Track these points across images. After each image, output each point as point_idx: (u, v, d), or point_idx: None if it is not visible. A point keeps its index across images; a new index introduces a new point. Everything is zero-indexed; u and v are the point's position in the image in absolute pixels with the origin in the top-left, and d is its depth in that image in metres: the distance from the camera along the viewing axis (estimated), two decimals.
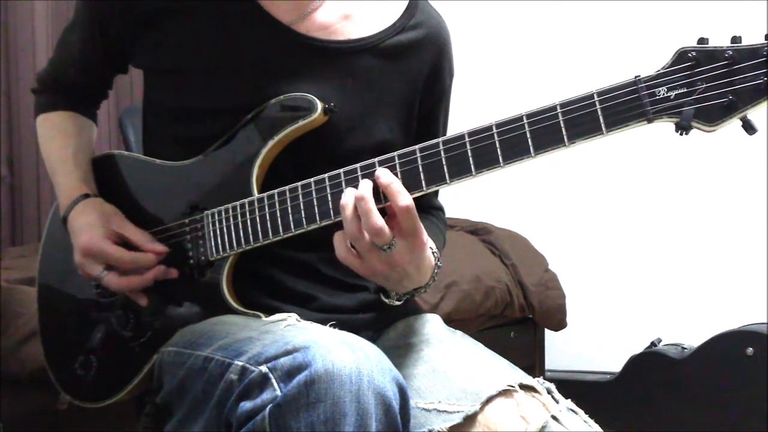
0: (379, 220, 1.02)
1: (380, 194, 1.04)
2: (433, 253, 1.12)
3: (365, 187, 1.04)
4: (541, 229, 2.99)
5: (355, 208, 1.03)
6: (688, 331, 2.54)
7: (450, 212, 1.49)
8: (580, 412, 1.09)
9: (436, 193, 1.35)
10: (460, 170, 1.03)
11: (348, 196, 1.04)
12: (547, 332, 2.74)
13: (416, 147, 1.06)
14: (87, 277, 1.27)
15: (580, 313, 2.84)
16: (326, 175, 1.10)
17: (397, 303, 1.16)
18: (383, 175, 1.04)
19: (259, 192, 1.16)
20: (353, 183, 1.07)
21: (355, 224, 1.03)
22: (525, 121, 1.00)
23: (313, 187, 1.11)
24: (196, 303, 1.21)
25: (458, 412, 1.07)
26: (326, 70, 1.22)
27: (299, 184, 1.12)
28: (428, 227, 1.12)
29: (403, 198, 1.03)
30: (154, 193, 1.29)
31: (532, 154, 1.00)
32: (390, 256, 1.04)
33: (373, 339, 1.18)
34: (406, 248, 1.05)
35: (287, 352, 0.94)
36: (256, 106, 1.19)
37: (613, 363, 2.56)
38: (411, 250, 1.05)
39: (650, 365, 2.44)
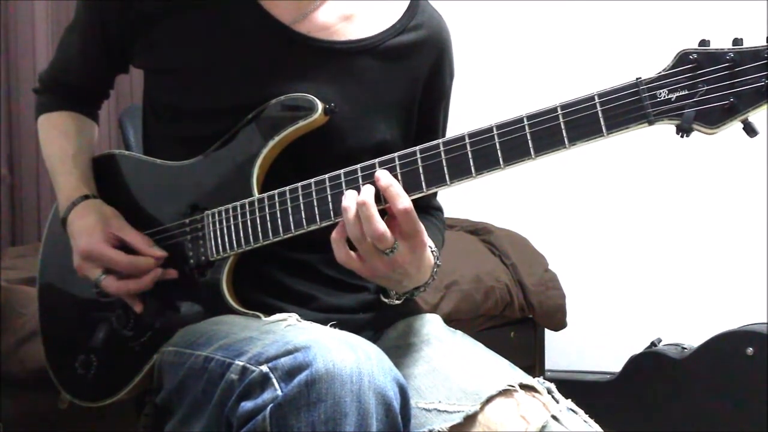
0: (381, 226, 1.02)
1: (380, 196, 1.04)
2: (432, 252, 1.13)
3: (367, 192, 1.04)
4: (541, 229, 2.99)
5: (357, 211, 1.03)
6: (688, 331, 2.54)
7: (450, 212, 1.50)
8: (580, 412, 1.09)
9: (436, 193, 1.35)
10: (460, 171, 1.03)
11: (349, 199, 1.04)
12: (547, 332, 2.73)
13: (417, 148, 1.06)
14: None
15: (580, 313, 2.83)
16: (326, 176, 1.10)
17: (397, 302, 1.16)
18: (382, 177, 1.04)
19: (260, 192, 1.16)
20: (353, 184, 1.07)
21: (358, 227, 1.03)
22: (525, 122, 1.00)
23: (313, 187, 1.11)
24: (197, 303, 1.21)
25: (458, 411, 1.07)
26: (326, 71, 1.22)
27: (299, 184, 1.12)
28: (427, 227, 1.12)
29: (402, 201, 1.03)
30: (154, 193, 1.29)
31: (533, 156, 1.00)
32: (391, 258, 1.04)
33: (374, 339, 1.18)
34: (407, 249, 1.05)
35: (288, 352, 0.94)
36: (256, 106, 1.19)
37: (613, 363, 2.55)
38: (412, 250, 1.06)
39: (650, 365, 2.43)
